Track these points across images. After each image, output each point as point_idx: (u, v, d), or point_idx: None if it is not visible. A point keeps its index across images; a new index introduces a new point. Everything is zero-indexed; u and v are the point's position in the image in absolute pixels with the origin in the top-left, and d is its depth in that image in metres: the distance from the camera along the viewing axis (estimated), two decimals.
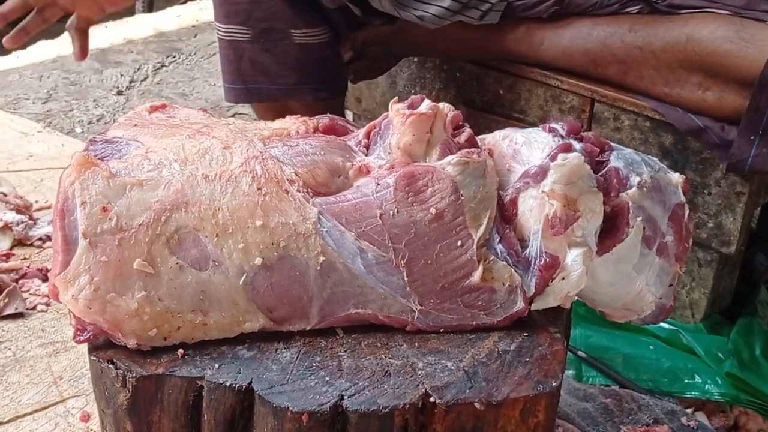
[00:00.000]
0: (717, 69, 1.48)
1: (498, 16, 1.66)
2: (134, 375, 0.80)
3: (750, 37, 1.43)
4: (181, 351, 0.82)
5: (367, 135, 0.94)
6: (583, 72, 1.67)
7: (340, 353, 0.84)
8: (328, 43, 1.67)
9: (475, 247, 0.86)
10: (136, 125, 0.93)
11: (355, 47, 1.69)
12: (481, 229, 0.87)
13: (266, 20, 1.61)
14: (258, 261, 0.83)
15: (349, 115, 2.13)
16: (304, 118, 0.97)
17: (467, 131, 0.92)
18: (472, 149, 0.90)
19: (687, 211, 0.93)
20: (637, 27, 1.57)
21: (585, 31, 1.63)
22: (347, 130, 0.97)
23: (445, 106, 0.92)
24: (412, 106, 0.91)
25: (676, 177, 0.93)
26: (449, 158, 0.88)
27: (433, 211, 0.86)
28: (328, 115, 0.98)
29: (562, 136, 0.92)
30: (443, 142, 0.90)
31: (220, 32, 1.68)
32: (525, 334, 0.87)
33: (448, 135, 0.91)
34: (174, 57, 2.93)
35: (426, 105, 0.90)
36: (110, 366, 0.81)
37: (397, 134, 0.90)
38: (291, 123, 0.96)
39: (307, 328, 0.86)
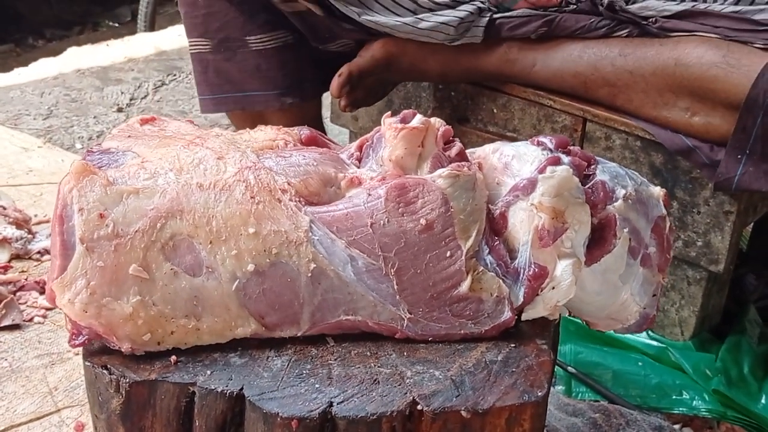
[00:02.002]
0: (704, 93, 1.50)
1: (480, 31, 1.68)
2: (127, 380, 0.82)
3: (736, 62, 1.46)
4: (174, 357, 0.84)
5: (360, 148, 0.96)
6: (574, 93, 1.69)
7: (330, 361, 0.86)
8: (288, 46, 1.66)
9: (464, 258, 0.88)
10: (129, 136, 0.95)
11: (352, 81, 1.69)
12: (470, 240, 0.88)
13: (222, 30, 1.62)
14: (250, 267, 0.85)
15: (345, 132, 2.15)
16: (287, 129, 0.98)
17: (458, 145, 0.94)
18: (463, 163, 0.92)
19: (668, 224, 0.95)
20: (627, 51, 1.60)
21: (576, 54, 1.65)
22: (327, 143, 1.00)
23: (436, 121, 0.94)
24: (404, 121, 0.93)
25: (657, 190, 0.96)
26: (440, 171, 0.90)
27: (423, 221, 0.87)
28: (308, 127, 0.99)
29: (550, 150, 0.94)
30: (434, 156, 0.92)
31: (189, 47, 1.70)
32: (512, 345, 0.89)
33: (439, 149, 0.93)
34: (174, 75, 2.96)
35: (418, 119, 0.92)
36: (104, 371, 0.83)
37: (389, 147, 0.92)
38: (275, 134, 0.98)
39: (298, 335, 0.87)
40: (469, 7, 1.69)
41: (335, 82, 1.66)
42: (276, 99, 1.68)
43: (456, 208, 0.88)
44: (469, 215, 0.89)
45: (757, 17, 1.50)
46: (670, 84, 1.55)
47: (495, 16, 1.69)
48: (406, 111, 0.94)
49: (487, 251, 0.90)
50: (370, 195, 0.88)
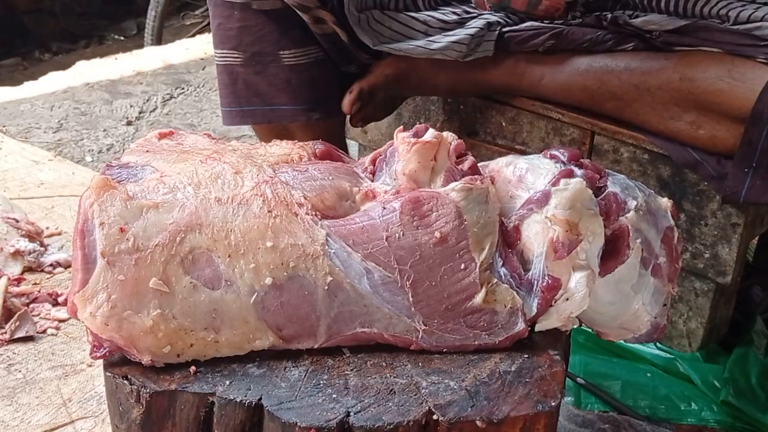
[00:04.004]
0: (710, 107, 1.51)
1: (491, 45, 1.70)
2: (148, 391, 0.83)
3: (740, 76, 1.48)
4: (193, 368, 0.85)
5: (373, 162, 0.98)
6: (581, 107, 1.71)
7: (346, 372, 0.87)
8: (319, 62, 1.68)
9: (477, 270, 0.89)
10: (148, 151, 0.97)
11: (362, 97, 1.70)
12: (484, 252, 0.90)
13: (256, 44, 1.63)
14: (268, 281, 0.86)
15: (354, 145, 2.16)
16: (302, 143, 1.00)
17: (470, 159, 0.96)
18: (475, 176, 0.93)
19: (677, 234, 0.96)
20: (633, 65, 1.61)
21: (583, 68, 1.67)
22: (341, 157, 1.01)
23: (448, 135, 0.95)
24: (417, 135, 0.94)
25: (665, 202, 0.97)
26: (453, 185, 0.91)
27: (437, 234, 0.89)
28: (321, 141, 1.01)
29: (563, 163, 0.95)
30: (447, 170, 0.93)
31: (216, 58, 1.71)
32: (525, 355, 0.90)
33: (451, 162, 0.94)
34: (182, 89, 2.98)
35: (430, 134, 0.94)
36: (125, 382, 0.84)
37: (402, 161, 0.93)
38: (290, 149, 0.99)
39: (315, 347, 0.88)
40: (478, 23, 1.71)
41: (347, 98, 1.68)
42: (303, 113, 1.69)
43: (469, 221, 0.90)
44: (483, 228, 0.90)
45: (757, 33, 1.51)
46: (675, 98, 1.56)
47: (504, 30, 1.71)
48: (418, 125, 0.95)
49: (501, 263, 0.91)
50: (385, 208, 0.90)
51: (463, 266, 0.89)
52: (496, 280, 0.90)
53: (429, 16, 1.74)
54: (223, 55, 1.68)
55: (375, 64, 1.72)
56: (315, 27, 1.64)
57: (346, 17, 1.63)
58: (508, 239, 0.93)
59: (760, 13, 1.54)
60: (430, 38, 1.69)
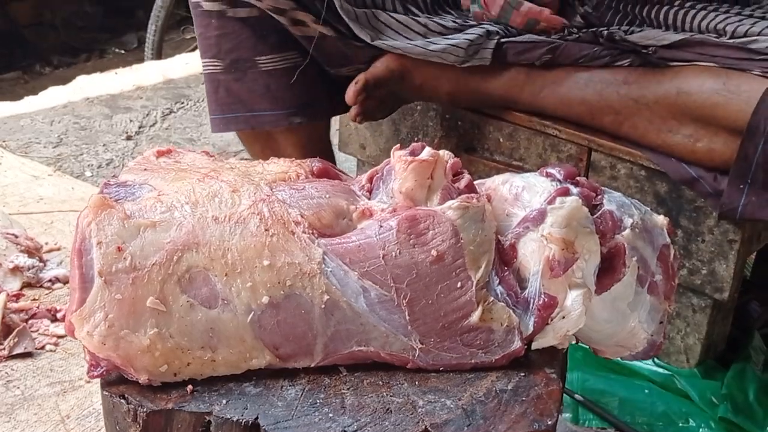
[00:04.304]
0: (707, 120, 1.52)
1: (489, 53, 1.71)
2: (145, 410, 0.83)
3: (736, 88, 1.49)
4: (190, 387, 0.85)
5: (370, 180, 0.98)
6: (580, 121, 1.71)
7: (343, 391, 0.87)
8: (297, 67, 1.68)
9: (474, 288, 0.89)
10: (146, 169, 0.97)
11: (367, 88, 1.71)
12: (480, 271, 0.90)
13: (233, 51, 1.65)
14: (265, 299, 0.86)
15: (353, 161, 2.17)
16: (299, 161, 1.00)
17: (466, 177, 0.96)
18: (472, 194, 0.93)
19: (672, 252, 0.97)
20: (631, 79, 1.62)
21: (582, 82, 1.68)
22: (338, 174, 1.01)
23: (445, 154, 0.95)
24: (414, 153, 0.95)
25: (661, 219, 0.98)
26: (450, 203, 0.91)
27: (434, 253, 0.89)
28: (319, 159, 1.01)
29: (559, 181, 0.96)
30: (444, 188, 0.94)
31: (202, 67, 1.74)
32: (522, 374, 0.90)
33: (448, 181, 0.94)
34: (182, 103, 2.99)
35: (427, 152, 0.94)
36: (122, 401, 0.84)
37: (399, 180, 0.93)
38: (287, 166, 0.99)
39: (312, 365, 0.89)
40: (478, 30, 1.72)
41: (351, 89, 1.67)
42: (284, 118, 1.71)
43: (466, 239, 0.90)
44: (479, 246, 0.90)
45: (753, 47, 1.52)
46: (673, 112, 1.57)
47: (502, 40, 1.72)
48: (415, 144, 0.96)
49: (497, 282, 0.91)
50: (381, 227, 0.90)
51: (459, 284, 0.89)
52: (492, 298, 0.90)
53: (428, 19, 1.75)
54: (206, 63, 1.70)
55: (378, 58, 1.71)
56: (295, 29, 1.65)
57: (334, 17, 1.63)
58: (505, 257, 0.93)
59: (756, 28, 1.55)
60: (429, 40, 1.70)
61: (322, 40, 1.67)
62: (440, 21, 1.77)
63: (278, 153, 1.74)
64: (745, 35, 1.55)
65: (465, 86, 1.76)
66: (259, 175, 0.96)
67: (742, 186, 1.49)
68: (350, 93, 1.68)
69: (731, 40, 1.55)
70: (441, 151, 0.95)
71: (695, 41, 1.58)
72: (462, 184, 0.95)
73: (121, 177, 0.96)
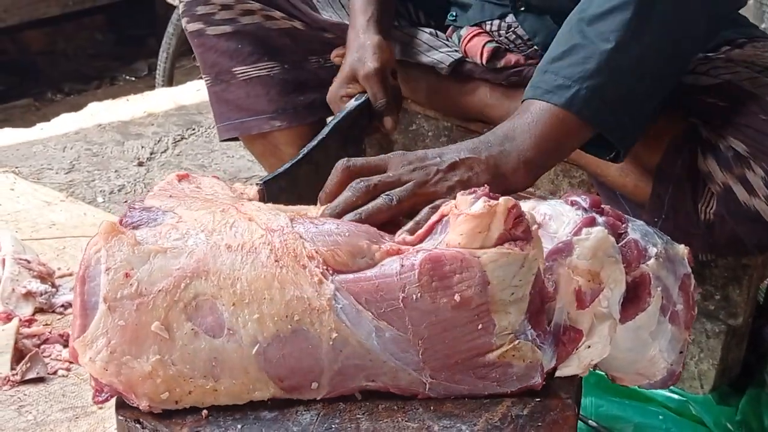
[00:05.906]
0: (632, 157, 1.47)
1: (448, 61, 1.70)
2: None
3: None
4: (205, 412, 0.85)
5: (431, 228, 0.93)
6: None
7: (358, 416, 0.87)
8: (271, 76, 1.78)
9: (495, 332, 0.87)
10: (171, 196, 0.97)
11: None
12: (510, 318, 0.87)
13: (215, 65, 1.78)
14: (272, 332, 0.85)
15: None
16: None
17: (524, 222, 0.90)
18: (518, 241, 0.89)
19: (693, 281, 0.96)
20: None
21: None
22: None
23: (503, 203, 0.89)
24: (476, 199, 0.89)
25: (682, 248, 0.97)
26: (487, 249, 0.88)
27: (457, 298, 0.87)
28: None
29: (585, 209, 0.96)
30: (499, 237, 0.89)
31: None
32: (537, 399, 0.90)
33: (506, 229, 0.89)
34: (193, 129, 3.00)
35: (481, 205, 0.89)
36: (137, 425, 0.84)
37: (452, 234, 0.90)
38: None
39: (317, 398, 0.88)
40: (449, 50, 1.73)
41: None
42: (266, 122, 1.80)
43: (496, 285, 0.87)
44: (511, 294, 0.87)
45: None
46: None
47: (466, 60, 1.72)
48: (479, 190, 0.91)
49: (530, 326, 0.89)
50: (403, 266, 0.88)
51: (480, 326, 0.87)
52: (519, 341, 0.88)
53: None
54: (204, 79, 1.85)
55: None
56: (269, 23, 1.75)
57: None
58: (546, 297, 0.90)
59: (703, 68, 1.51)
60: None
61: (295, 31, 1.77)
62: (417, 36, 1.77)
63: (278, 153, 1.81)
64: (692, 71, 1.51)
65: (443, 91, 1.76)
66: (286, 211, 0.96)
67: (656, 220, 1.43)
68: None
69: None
70: (501, 199, 0.89)
71: None
72: (519, 230, 0.90)
73: (147, 202, 0.96)
